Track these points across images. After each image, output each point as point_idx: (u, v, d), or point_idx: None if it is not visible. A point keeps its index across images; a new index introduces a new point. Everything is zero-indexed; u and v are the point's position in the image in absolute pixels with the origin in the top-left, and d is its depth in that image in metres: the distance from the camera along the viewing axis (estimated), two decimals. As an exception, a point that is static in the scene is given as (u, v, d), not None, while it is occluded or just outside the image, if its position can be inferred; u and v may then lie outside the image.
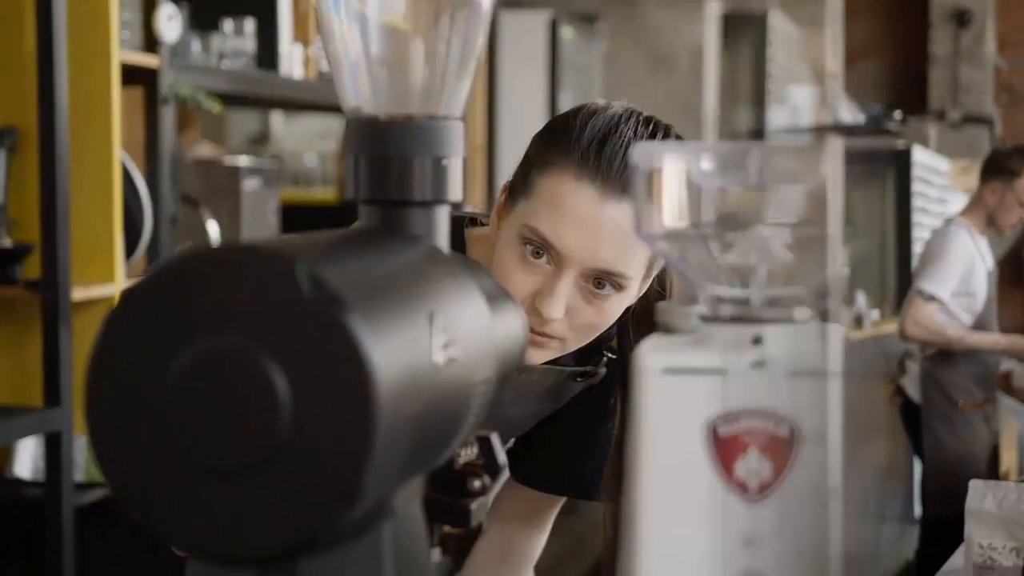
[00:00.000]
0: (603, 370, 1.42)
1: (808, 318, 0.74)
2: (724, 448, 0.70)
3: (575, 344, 1.31)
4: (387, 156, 0.83)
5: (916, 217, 7.17)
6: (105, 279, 2.54)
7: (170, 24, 2.70)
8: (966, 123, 9.00)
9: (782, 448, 0.70)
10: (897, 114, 6.40)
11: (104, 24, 2.52)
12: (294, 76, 3.27)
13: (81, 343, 2.45)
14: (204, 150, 3.78)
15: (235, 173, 3.13)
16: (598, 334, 1.32)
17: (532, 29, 5.60)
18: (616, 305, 1.28)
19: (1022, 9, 9.83)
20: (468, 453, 0.91)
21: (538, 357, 1.31)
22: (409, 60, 0.85)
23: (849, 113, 5.73)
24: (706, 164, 0.74)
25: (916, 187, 7.09)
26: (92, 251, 2.53)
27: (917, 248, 7.33)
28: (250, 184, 3.12)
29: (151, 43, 2.72)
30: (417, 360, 0.68)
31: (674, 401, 0.71)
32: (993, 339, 4.42)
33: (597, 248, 1.24)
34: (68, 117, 2.43)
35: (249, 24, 3.08)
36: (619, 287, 1.26)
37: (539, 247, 1.25)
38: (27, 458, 2.58)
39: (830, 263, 0.75)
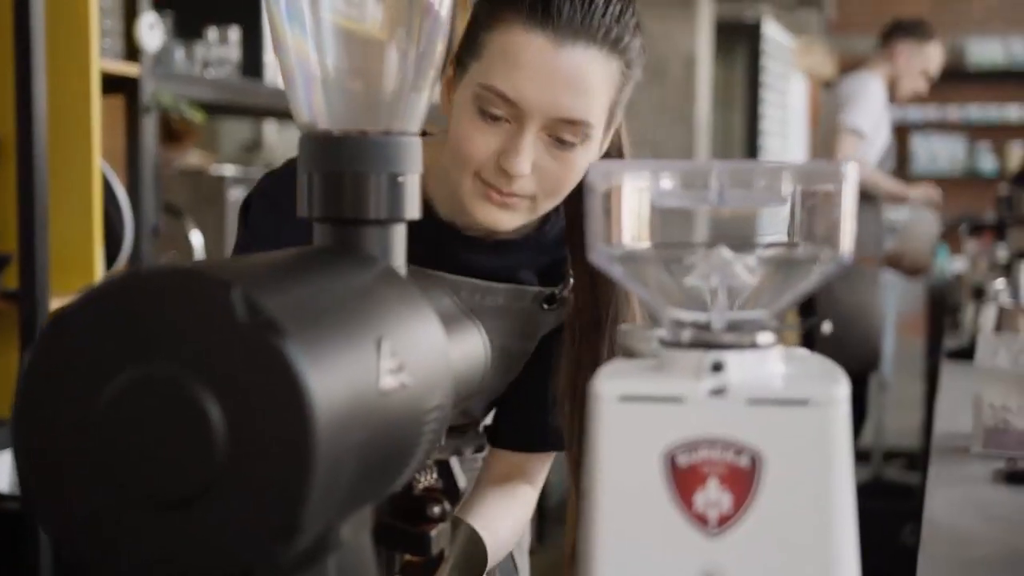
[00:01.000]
0: (568, 295, 1.39)
1: (771, 343, 0.71)
2: (683, 479, 0.68)
3: (546, 204, 1.28)
4: (341, 172, 0.81)
5: (761, 92, 7.28)
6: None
7: (152, 33, 2.67)
8: (799, 4, 9.10)
9: (743, 479, 0.67)
10: None
11: (84, 32, 2.49)
12: (279, 85, 3.24)
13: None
14: (194, 158, 3.75)
15: (221, 183, 3.10)
16: (565, 193, 1.28)
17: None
18: (582, 158, 1.25)
19: None
20: (427, 478, 0.89)
21: (510, 220, 1.28)
22: (364, 73, 0.82)
23: None
24: (665, 183, 0.72)
25: (763, 62, 7.18)
26: (71, 262, 2.50)
27: (765, 124, 7.44)
28: (236, 194, 3.09)
29: (133, 51, 2.69)
30: (362, 387, 0.66)
31: (631, 429, 0.69)
32: (903, 187, 4.59)
33: (556, 96, 1.21)
34: (47, 126, 2.40)
35: (234, 32, 3.06)
36: (583, 137, 1.23)
37: (496, 105, 1.22)
38: (5, 470, 2.54)
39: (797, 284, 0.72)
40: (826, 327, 3.59)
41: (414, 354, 0.72)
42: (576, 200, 1.30)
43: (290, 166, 1.37)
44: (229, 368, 0.60)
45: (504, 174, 1.23)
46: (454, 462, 1.19)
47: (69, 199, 2.49)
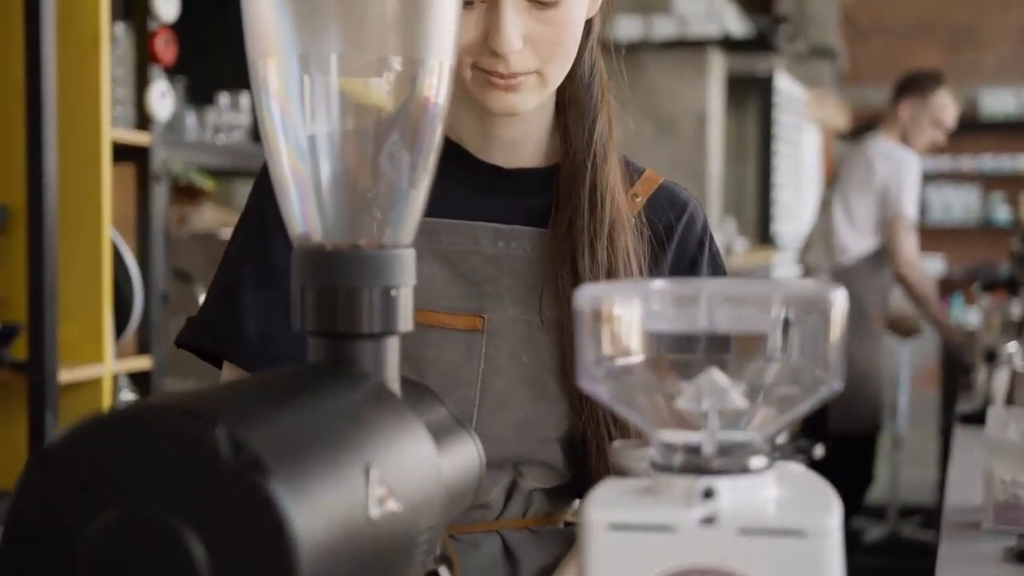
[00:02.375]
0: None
1: (763, 467, 0.70)
2: (674, 609, 0.67)
3: (555, 74, 1.20)
4: (334, 287, 0.80)
5: (774, 145, 7.29)
6: (94, 360, 2.51)
7: (163, 101, 2.69)
8: (811, 56, 9.13)
9: (734, 610, 0.66)
10: (785, 29, 6.37)
11: (95, 101, 2.51)
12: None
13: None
14: (208, 214, 3.76)
15: (231, 246, 3.10)
16: (571, 55, 1.20)
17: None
18: (573, 12, 1.18)
19: None
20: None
21: (524, 101, 1.20)
22: (358, 186, 0.83)
23: (736, 24, 5.70)
24: (654, 305, 0.71)
25: (776, 115, 7.19)
26: (81, 331, 2.50)
27: (778, 177, 7.44)
28: (246, 257, 3.09)
29: (144, 120, 2.71)
30: (350, 518, 0.65)
31: (622, 558, 0.68)
32: (951, 325, 4.62)
33: None
34: (57, 196, 2.42)
35: (245, 98, 3.08)
36: None
37: None
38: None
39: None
40: (818, 451, 3.58)
41: (404, 478, 0.72)
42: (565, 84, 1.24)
43: None
44: (214, 507, 0.60)
45: (497, 56, 1.16)
46: (443, 572, 1.16)
47: (79, 269, 2.50)
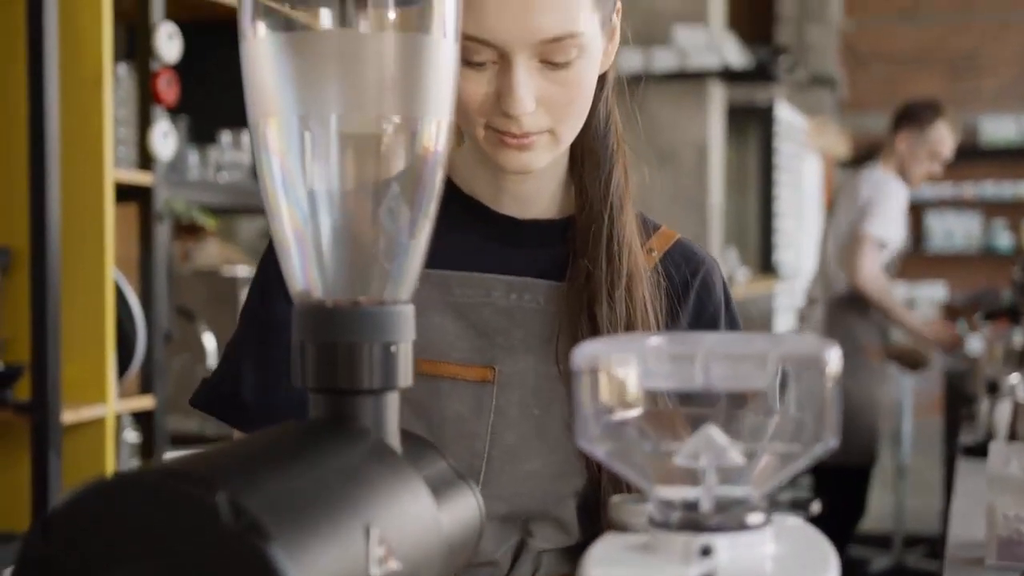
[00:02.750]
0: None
1: (761, 523, 0.71)
2: (672, 667, 0.67)
3: (568, 133, 1.19)
4: (334, 343, 0.81)
5: (775, 175, 7.31)
6: (97, 400, 2.52)
7: (165, 141, 2.70)
8: (812, 84, 9.16)
9: (733, 669, 0.67)
10: (784, 60, 6.38)
11: (98, 142, 2.52)
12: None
13: (71, 467, 2.43)
14: (211, 249, 3.78)
15: (234, 283, 3.12)
16: (584, 113, 1.19)
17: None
18: (585, 71, 1.16)
19: None
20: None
21: (536, 160, 1.19)
22: (358, 243, 0.83)
23: (736, 55, 5.72)
24: (651, 363, 0.72)
25: (776, 144, 7.21)
26: (84, 372, 2.51)
27: (779, 206, 7.45)
28: (248, 294, 3.10)
29: (146, 159, 2.72)
30: (350, 579, 0.66)
31: (620, 616, 0.69)
32: (921, 323, 4.59)
33: (527, 21, 1.12)
34: (60, 236, 2.43)
35: (246, 136, 3.10)
36: (577, 49, 1.14)
37: (475, 52, 1.14)
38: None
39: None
40: (815, 507, 3.57)
41: (404, 536, 0.72)
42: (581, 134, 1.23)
43: None
44: (215, 572, 0.61)
45: (509, 117, 1.15)
46: None
47: (82, 309, 2.51)
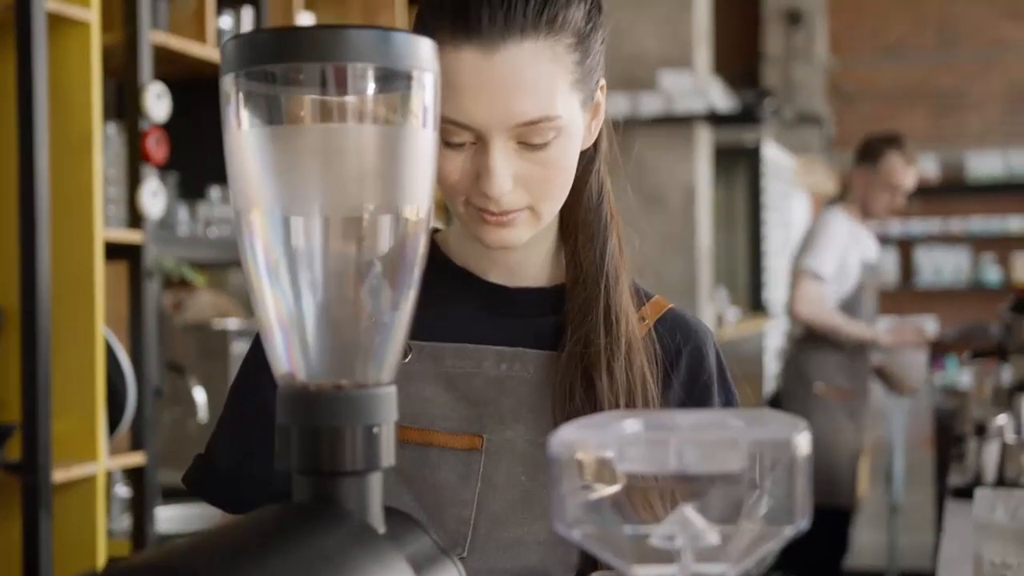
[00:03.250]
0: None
1: (737, 604, 0.73)
2: None
3: (548, 210, 1.20)
4: (318, 427, 0.83)
5: (763, 214, 7.34)
6: (88, 458, 2.53)
7: (155, 200, 2.73)
8: (799, 122, 9.21)
9: None
10: (769, 103, 6.42)
11: (88, 201, 2.54)
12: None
13: (62, 525, 2.43)
14: (203, 299, 3.79)
15: (224, 337, 3.13)
16: (564, 191, 1.20)
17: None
18: (564, 151, 1.17)
19: (854, 10, 10.16)
20: None
21: (516, 236, 1.20)
22: (340, 328, 0.85)
23: (722, 99, 5.75)
24: (627, 447, 0.74)
25: (764, 183, 7.25)
26: (75, 430, 2.52)
27: (768, 245, 7.47)
28: (240, 347, 3.12)
29: (136, 217, 2.75)
30: (333, 668, 0.67)
31: None
32: (872, 332, 4.57)
33: (505, 105, 1.13)
34: (51, 295, 2.45)
35: (236, 191, 3.12)
36: (554, 131, 1.15)
37: (454, 133, 1.15)
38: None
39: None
40: None
41: (387, 620, 0.74)
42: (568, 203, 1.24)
43: None
44: (200, 665, 0.62)
45: (488, 198, 1.16)
46: None
47: (72, 368, 2.52)
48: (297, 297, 0.85)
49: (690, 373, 1.30)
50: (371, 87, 0.82)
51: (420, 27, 1.17)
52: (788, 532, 0.73)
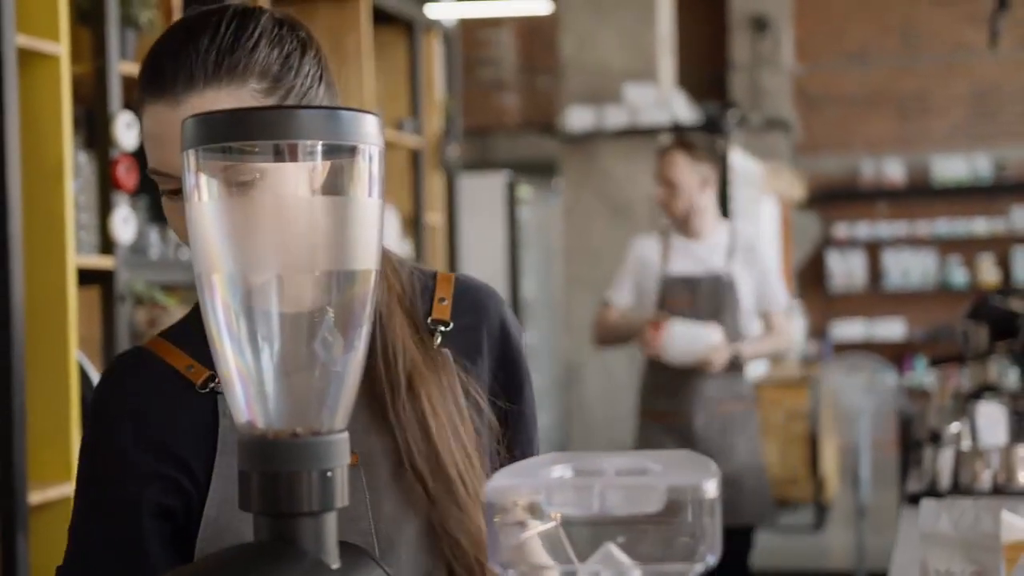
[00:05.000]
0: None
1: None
2: None
3: None
4: (276, 472, 0.90)
5: (731, 220, 7.43)
6: (62, 479, 2.59)
7: (125, 226, 2.79)
8: (767, 128, 9.31)
9: None
10: (733, 114, 6.47)
11: (60, 230, 2.60)
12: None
13: (38, 546, 2.49)
14: (178, 316, 3.84)
15: (195, 355, 3.18)
16: None
17: (491, 190, 5.78)
18: (275, 190, 1.17)
19: (819, 17, 10.31)
20: None
21: None
22: (295, 381, 0.93)
23: (686, 111, 5.75)
24: (554, 495, 0.82)
25: (731, 191, 7.34)
26: (49, 452, 2.58)
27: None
28: (210, 365, 3.18)
29: (108, 243, 2.81)
30: None
31: None
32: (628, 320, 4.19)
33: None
34: (24, 321, 2.51)
35: (205, 213, 3.18)
36: (259, 173, 1.12)
37: (167, 183, 1.22)
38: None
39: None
40: None
41: (339, 651, 0.81)
42: None
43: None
44: None
45: None
46: None
47: (46, 392, 2.58)
48: (255, 351, 0.92)
49: (496, 344, 1.37)
50: (320, 161, 0.90)
51: (135, 92, 1.26)
52: (700, 567, 0.81)
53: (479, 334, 1.36)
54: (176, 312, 3.65)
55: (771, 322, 4.16)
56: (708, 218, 4.12)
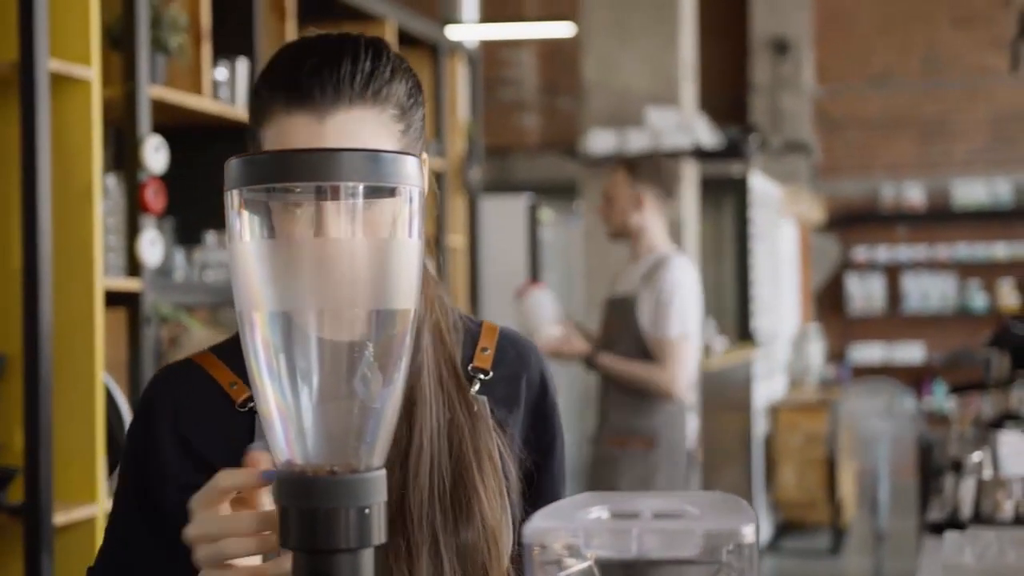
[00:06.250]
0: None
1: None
2: None
3: None
4: (314, 509, 0.91)
5: (750, 243, 7.42)
6: (87, 500, 2.61)
7: (153, 249, 2.81)
8: (787, 151, 9.28)
9: None
10: (754, 138, 6.46)
11: (88, 251, 2.63)
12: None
13: (62, 566, 2.51)
14: (198, 335, 3.86)
15: (218, 376, 3.20)
16: None
17: (513, 212, 5.79)
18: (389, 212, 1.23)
19: (840, 40, 10.29)
20: None
21: None
22: (334, 420, 0.94)
23: (707, 135, 5.76)
24: (593, 538, 0.82)
25: (750, 213, 7.33)
26: (75, 473, 2.60)
27: (756, 274, 7.54)
28: (233, 386, 3.19)
29: (135, 266, 2.83)
30: None
31: None
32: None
33: None
34: (53, 343, 2.53)
35: (231, 236, 3.20)
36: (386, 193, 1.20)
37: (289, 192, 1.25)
38: None
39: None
40: None
41: None
42: None
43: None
44: None
45: None
46: None
47: (73, 413, 2.60)
48: (295, 389, 0.93)
49: (535, 398, 1.39)
50: (360, 202, 0.91)
51: (257, 99, 1.26)
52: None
53: (518, 385, 1.38)
54: (197, 333, 3.67)
55: (660, 351, 3.93)
56: (645, 241, 4.10)
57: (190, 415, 1.30)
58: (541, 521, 0.84)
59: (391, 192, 0.92)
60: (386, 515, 0.96)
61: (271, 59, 1.28)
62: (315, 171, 0.90)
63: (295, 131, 1.22)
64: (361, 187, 0.91)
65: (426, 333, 1.32)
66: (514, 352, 1.39)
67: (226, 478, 1.02)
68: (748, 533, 0.80)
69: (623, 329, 4.01)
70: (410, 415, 1.28)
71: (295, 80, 1.22)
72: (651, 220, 4.09)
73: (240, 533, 1.01)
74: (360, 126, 1.23)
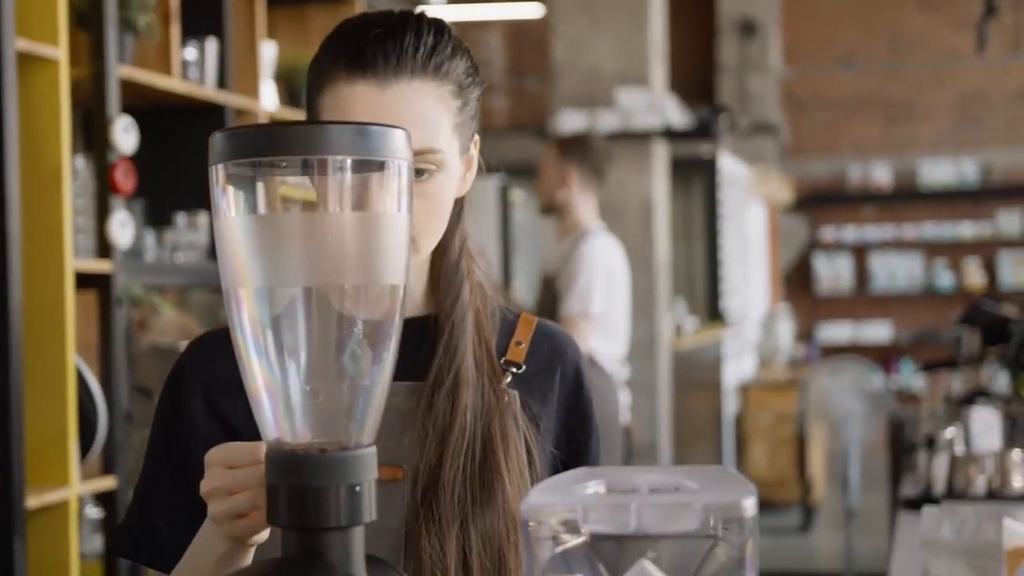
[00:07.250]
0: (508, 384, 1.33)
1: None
2: None
3: (427, 243, 1.27)
4: (304, 487, 0.90)
5: (720, 224, 7.47)
6: (59, 483, 2.58)
7: (123, 230, 2.78)
8: (755, 132, 9.33)
9: None
10: (724, 119, 6.50)
11: (58, 233, 2.60)
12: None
13: (35, 550, 2.48)
14: (168, 317, 3.83)
15: (190, 359, 3.17)
16: (442, 226, 1.28)
17: (483, 194, 5.78)
18: (443, 186, 1.26)
19: (807, 21, 10.35)
20: None
21: None
22: (323, 396, 0.92)
23: (677, 116, 5.80)
24: (591, 512, 0.81)
25: (720, 194, 7.37)
26: (47, 456, 2.57)
27: (725, 254, 7.59)
28: (205, 369, 3.16)
29: (105, 247, 2.80)
30: None
31: None
32: None
33: None
34: (23, 326, 2.50)
35: (202, 218, 3.17)
36: (436, 164, 1.24)
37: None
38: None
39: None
40: None
41: (371, 668, 0.81)
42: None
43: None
44: None
45: None
46: None
47: (44, 396, 2.57)
48: (283, 367, 0.92)
49: (570, 393, 1.38)
50: (348, 176, 0.90)
51: (316, 69, 1.27)
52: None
53: (552, 379, 1.37)
54: (168, 314, 3.64)
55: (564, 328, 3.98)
56: (570, 219, 4.13)
57: (220, 382, 1.29)
58: (538, 496, 0.83)
59: (380, 166, 0.91)
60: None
61: (333, 31, 1.28)
62: (302, 144, 0.89)
63: (355, 99, 1.23)
64: (349, 161, 0.89)
65: (469, 315, 1.31)
66: (549, 346, 1.38)
67: (242, 451, 1.03)
68: (748, 506, 0.80)
69: (549, 307, 4.04)
70: (454, 393, 1.27)
71: (359, 48, 1.23)
72: (577, 198, 4.12)
73: (253, 487, 1.00)
74: (420, 97, 1.24)
